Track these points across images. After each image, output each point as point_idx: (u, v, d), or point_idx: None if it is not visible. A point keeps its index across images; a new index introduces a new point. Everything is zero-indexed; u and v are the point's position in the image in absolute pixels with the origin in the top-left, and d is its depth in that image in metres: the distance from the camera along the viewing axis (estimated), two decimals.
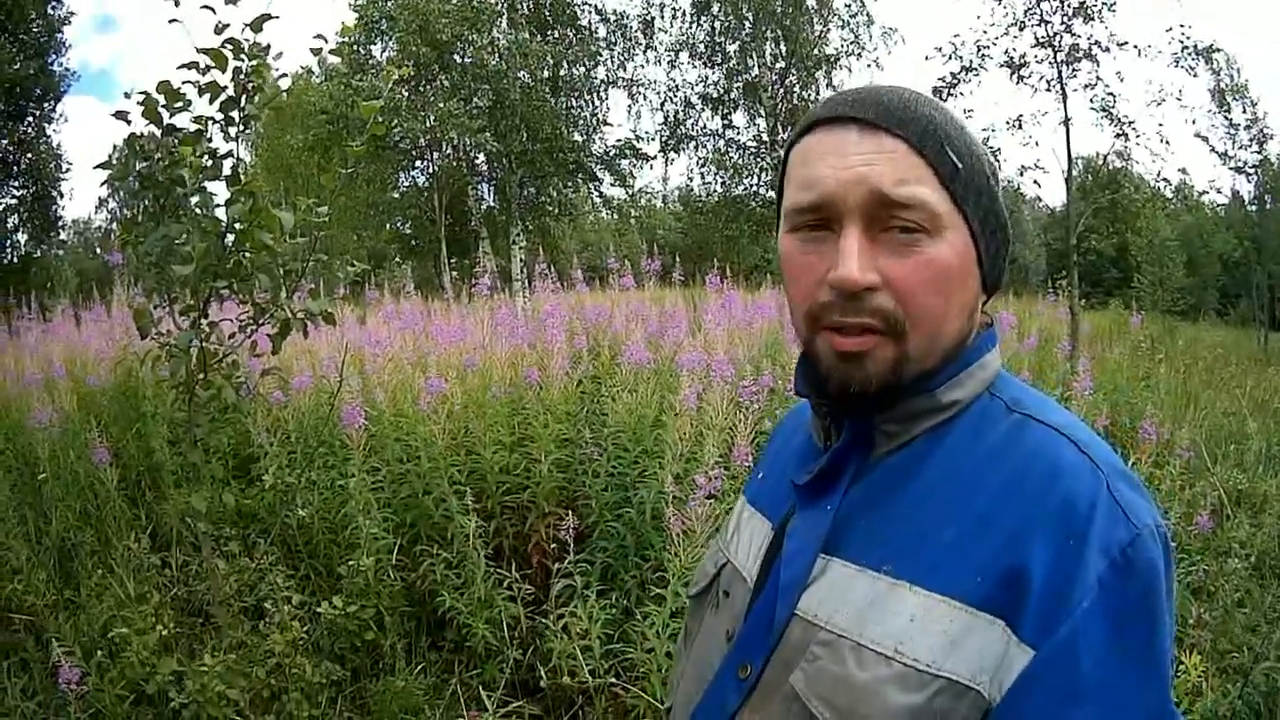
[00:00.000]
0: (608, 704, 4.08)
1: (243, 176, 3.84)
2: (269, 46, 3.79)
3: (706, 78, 23.84)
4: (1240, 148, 26.38)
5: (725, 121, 24.03)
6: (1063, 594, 0.94)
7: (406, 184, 24.53)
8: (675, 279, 8.84)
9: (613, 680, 4.03)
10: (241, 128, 3.87)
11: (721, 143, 24.04)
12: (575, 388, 6.04)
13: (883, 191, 1.06)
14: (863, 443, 1.16)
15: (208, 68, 3.69)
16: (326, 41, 4.29)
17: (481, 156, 22.40)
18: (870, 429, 1.16)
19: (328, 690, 4.16)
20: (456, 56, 20.72)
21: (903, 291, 1.07)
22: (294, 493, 5.03)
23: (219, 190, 4.03)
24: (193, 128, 3.77)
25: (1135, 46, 12.41)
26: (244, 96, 3.78)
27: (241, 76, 3.76)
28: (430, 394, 5.42)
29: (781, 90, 22.83)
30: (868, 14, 23.41)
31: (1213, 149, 27.17)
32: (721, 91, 23.67)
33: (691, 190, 26.27)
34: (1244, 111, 25.86)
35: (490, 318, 7.20)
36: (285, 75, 3.83)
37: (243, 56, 3.73)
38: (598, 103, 24.15)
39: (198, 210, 3.83)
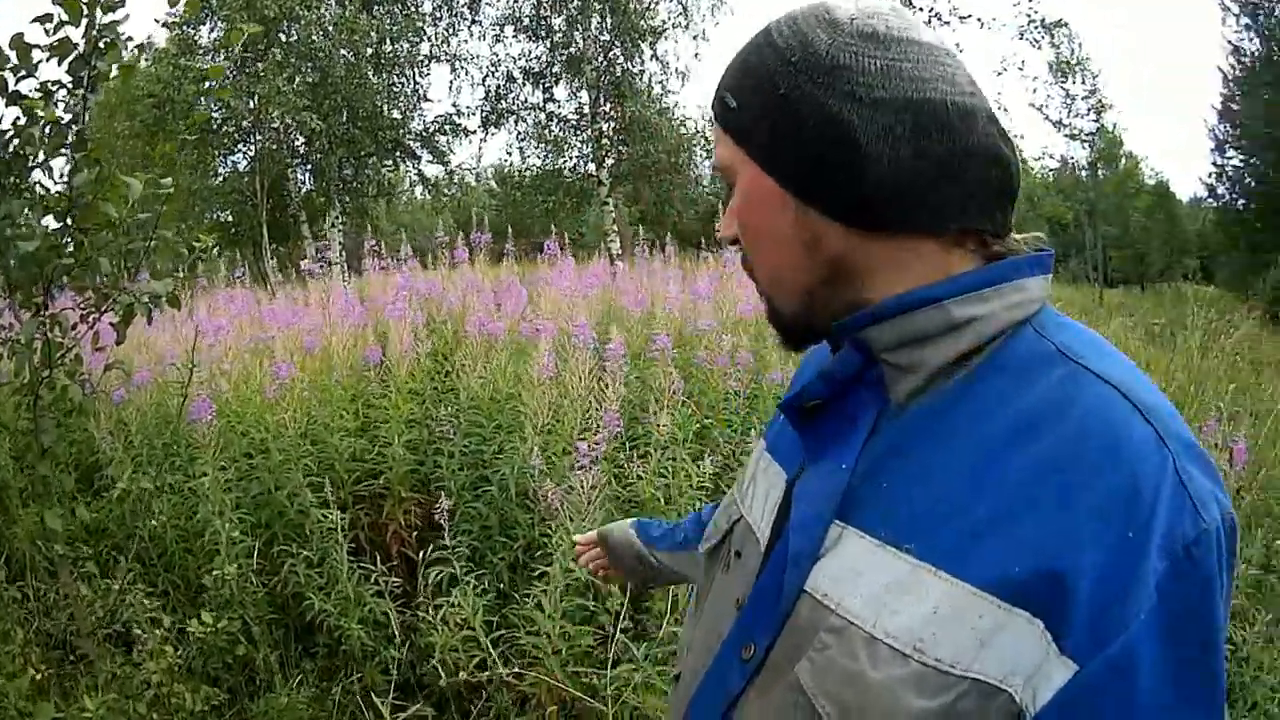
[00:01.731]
0: (502, 694, 3.84)
1: (89, 144, 3.41)
2: None
3: (530, 51, 23.62)
4: (1076, 116, 27.60)
5: (547, 95, 23.79)
6: (1118, 601, 0.81)
7: (226, 170, 23.70)
8: (507, 251, 8.58)
9: (504, 670, 3.76)
10: (90, 90, 3.42)
11: (543, 116, 23.76)
12: (420, 365, 5.69)
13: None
14: (874, 382, 1.03)
15: (61, 23, 3.24)
16: (173, 9, 3.82)
17: (301, 138, 21.83)
18: (871, 357, 1.02)
19: (210, 718, 3.83)
20: (282, 35, 20.18)
21: (742, 241, 1.10)
22: (146, 500, 4.57)
23: (57, 164, 3.57)
24: (36, 95, 3.32)
25: (979, 19, 12.71)
26: (94, 55, 3.33)
27: (94, 32, 3.32)
28: (277, 380, 5.06)
29: (605, 63, 22.68)
30: None
31: (1047, 118, 28.79)
32: (544, 65, 23.42)
33: (510, 166, 26.09)
34: (1083, 83, 26.92)
35: (322, 299, 6.82)
36: (141, 46, 3.39)
37: (96, 6, 3.29)
38: (419, 79, 23.90)
39: (41, 185, 3.41)
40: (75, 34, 3.30)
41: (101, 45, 3.35)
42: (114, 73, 3.42)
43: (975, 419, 0.94)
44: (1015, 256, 1.02)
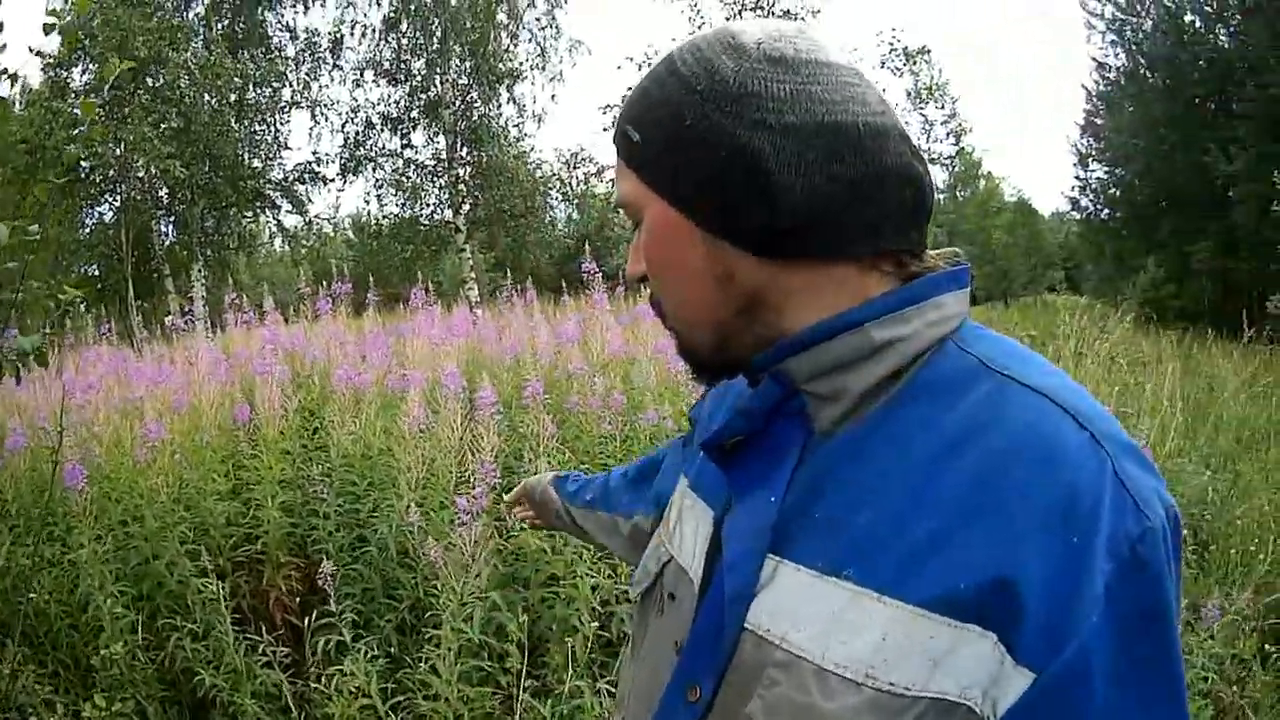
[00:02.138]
0: None
1: None
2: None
3: (389, 96, 23.50)
4: (935, 141, 28.33)
5: (404, 141, 23.61)
6: (1067, 607, 0.80)
7: (93, 221, 23.08)
8: (369, 300, 8.45)
9: None
10: None
11: (400, 162, 23.57)
12: (289, 422, 5.56)
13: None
14: (796, 412, 1.00)
15: None
16: (58, 20, 3.63)
17: (166, 188, 21.40)
18: (792, 389, 0.99)
19: None
20: (149, 79, 19.79)
21: (650, 279, 1.07)
22: (27, 576, 4.37)
23: None
24: None
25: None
26: None
27: None
28: (147, 441, 4.87)
29: (462, 107, 22.62)
30: (556, 26, 23.65)
31: None
32: (402, 111, 23.26)
33: (367, 214, 25.76)
34: (942, 108, 27.68)
35: (186, 357, 6.63)
36: (12, 75, 3.26)
37: None
38: (280, 126, 23.64)
39: None
40: None
41: None
42: None
43: (905, 439, 0.92)
44: (932, 274, 1.00)
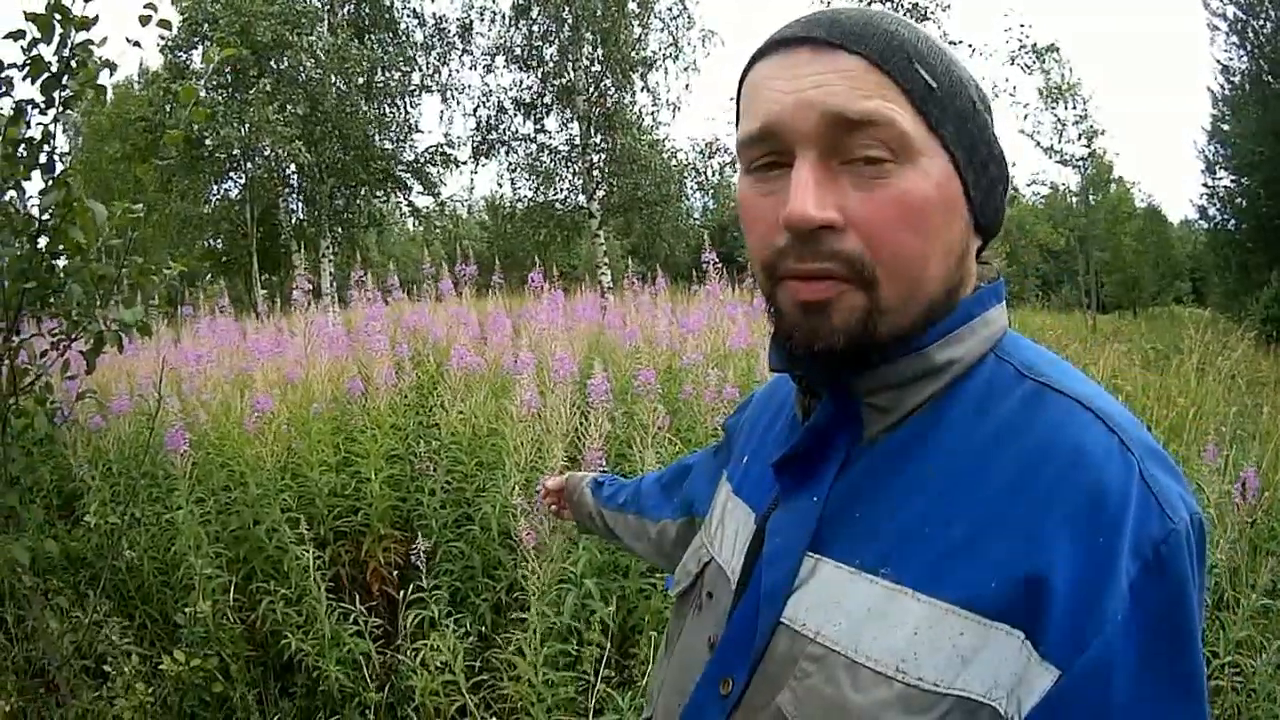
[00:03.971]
0: None
1: (59, 165, 3.34)
2: (97, 17, 3.29)
3: (521, 82, 23.72)
4: (1068, 142, 27.62)
5: (538, 126, 23.83)
6: (1093, 605, 0.82)
7: (218, 196, 23.87)
8: (495, 283, 8.50)
9: (485, 717, 3.68)
10: (61, 109, 3.35)
11: (534, 147, 23.78)
12: (402, 399, 5.61)
13: (837, 111, 0.91)
14: (850, 420, 1.02)
15: (34, 41, 3.18)
16: (156, 10, 3.72)
17: (293, 167, 21.97)
18: (854, 401, 1.02)
19: None
20: (274, 62, 20.37)
21: (870, 231, 0.92)
22: (120, 532, 4.49)
23: (29, 186, 3.50)
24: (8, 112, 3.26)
25: (970, 45, 12.80)
26: (66, 74, 3.27)
27: (66, 51, 3.27)
28: (257, 412, 4.96)
29: (596, 94, 22.73)
30: (688, 16, 23.58)
31: (1038, 144, 28.33)
32: (535, 96, 23.48)
33: (500, 197, 26.04)
34: (1073, 108, 26.98)
35: (307, 331, 6.73)
36: (109, 64, 3.34)
37: (70, 24, 3.24)
38: (410, 108, 24.13)
39: (11, 207, 3.32)
40: (47, 52, 3.26)
41: (74, 64, 3.30)
42: (88, 94, 3.37)
43: (943, 444, 0.95)
44: (981, 289, 1.03)
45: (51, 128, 3.38)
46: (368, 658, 4.03)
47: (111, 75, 3.40)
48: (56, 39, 3.26)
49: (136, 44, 3.59)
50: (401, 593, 4.04)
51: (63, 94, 3.33)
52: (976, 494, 0.89)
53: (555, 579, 3.70)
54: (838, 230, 0.91)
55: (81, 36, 3.28)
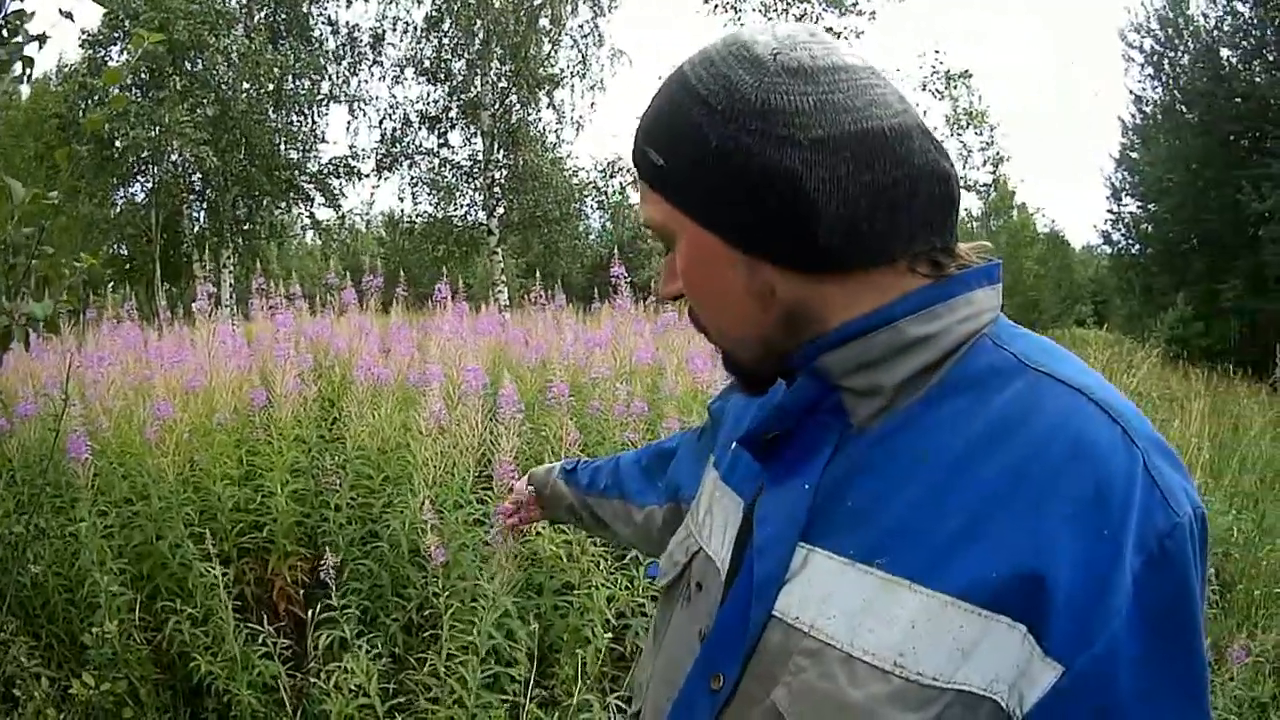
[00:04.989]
0: None
1: None
2: None
3: (428, 95, 23.81)
4: (972, 168, 28.13)
5: (442, 140, 23.77)
6: (1097, 600, 0.81)
7: (124, 200, 23.61)
8: (398, 296, 8.39)
9: None
10: None
11: (436, 161, 23.69)
12: (307, 411, 5.47)
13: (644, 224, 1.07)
14: (832, 406, 1.01)
15: None
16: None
17: (199, 174, 21.78)
18: (832, 386, 1.00)
19: None
20: (187, 63, 20.34)
21: (689, 299, 1.07)
22: (24, 545, 4.31)
23: None
24: None
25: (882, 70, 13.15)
26: None
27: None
28: (157, 420, 4.78)
29: (501, 109, 22.69)
30: (599, 34, 23.74)
31: None
32: (441, 110, 23.34)
33: (400, 212, 26.01)
34: (979, 134, 27.47)
35: (209, 339, 6.55)
36: (41, 36, 3.20)
37: None
38: (318, 118, 24.12)
39: None
40: None
41: (4, 34, 3.16)
42: (16, 68, 3.23)
43: (940, 432, 0.93)
44: (964, 270, 1.00)
45: None
46: (278, 681, 3.91)
47: (41, 48, 3.26)
48: None
49: (69, 15, 3.45)
50: (310, 612, 3.92)
51: None
52: (975, 484, 0.88)
53: (469, 597, 3.62)
54: (687, 300, 1.07)
55: (15, 5, 3.14)
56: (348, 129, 26.48)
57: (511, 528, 1.99)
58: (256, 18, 22.27)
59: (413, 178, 24.19)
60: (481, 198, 23.22)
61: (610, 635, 3.80)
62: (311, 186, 23.66)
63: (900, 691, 0.84)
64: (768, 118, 0.91)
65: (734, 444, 1.18)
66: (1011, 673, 0.83)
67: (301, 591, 4.31)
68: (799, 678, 0.91)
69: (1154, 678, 0.82)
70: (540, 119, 23.65)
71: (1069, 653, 0.81)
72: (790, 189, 0.91)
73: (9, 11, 3.15)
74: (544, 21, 22.65)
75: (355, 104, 24.03)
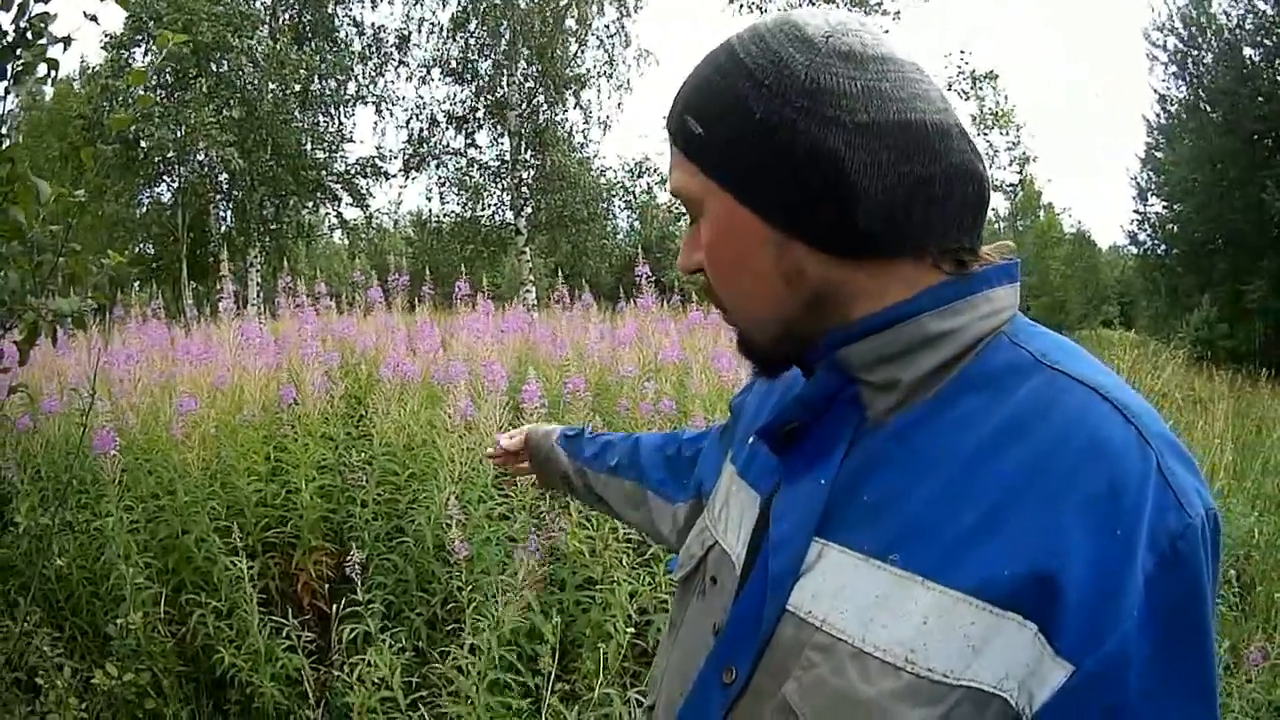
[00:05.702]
0: None
1: (6, 141, 3.22)
2: None
3: (455, 95, 23.79)
4: (999, 168, 27.94)
5: (469, 140, 23.79)
6: (1109, 600, 0.80)
7: (150, 200, 23.73)
8: (425, 295, 8.42)
9: None
10: (12, 82, 3.23)
11: (464, 162, 23.70)
12: (333, 408, 5.50)
13: (673, 193, 1.07)
14: (850, 399, 1.00)
15: None
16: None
17: (225, 174, 21.82)
18: (851, 379, 1.00)
19: None
20: (213, 64, 20.35)
21: (709, 275, 1.06)
22: (49, 538, 4.35)
23: None
24: None
25: None
26: (21, 46, 3.15)
27: (24, 22, 3.14)
28: (182, 416, 4.82)
29: (528, 110, 22.71)
30: (625, 35, 23.75)
31: None
32: (468, 110, 23.40)
33: (428, 212, 26.01)
34: (1005, 134, 27.31)
35: (235, 337, 6.60)
36: (66, 39, 3.23)
37: None
38: (344, 119, 24.14)
39: None
40: (5, 20, 3.14)
41: (30, 36, 3.19)
42: (41, 69, 3.26)
43: (956, 429, 0.92)
44: (985, 267, 1.00)
45: (2, 101, 3.27)
46: (301, 674, 3.92)
47: (65, 50, 3.29)
48: (15, 8, 3.15)
49: (93, 18, 3.47)
50: (334, 606, 3.95)
51: (16, 66, 3.22)
52: (990, 481, 0.87)
53: (493, 591, 3.64)
54: (706, 274, 1.05)
55: (40, 8, 3.16)
56: (374, 129, 26.51)
57: (513, 470, 1.93)
58: (281, 19, 22.37)
59: (440, 178, 24.22)
60: (509, 198, 23.23)
61: (632, 630, 3.80)
62: (338, 186, 23.71)
63: (911, 687, 0.84)
64: (816, 97, 0.92)
65: (751, 438, 1.18)
66: (1021, 671, 0.83)
67: (326, 586, 4.34)
68: (810, 672, 0.91)
69: (1164, 678, 0.81)
70: (567, 119, 23.69)
71: (1079, 652, 0.81)
72: (834, 169, 0.92)
73: (33, 14, 3.18)
74: (570, 22, 22.70)
75: (382, 104, 24.07)
